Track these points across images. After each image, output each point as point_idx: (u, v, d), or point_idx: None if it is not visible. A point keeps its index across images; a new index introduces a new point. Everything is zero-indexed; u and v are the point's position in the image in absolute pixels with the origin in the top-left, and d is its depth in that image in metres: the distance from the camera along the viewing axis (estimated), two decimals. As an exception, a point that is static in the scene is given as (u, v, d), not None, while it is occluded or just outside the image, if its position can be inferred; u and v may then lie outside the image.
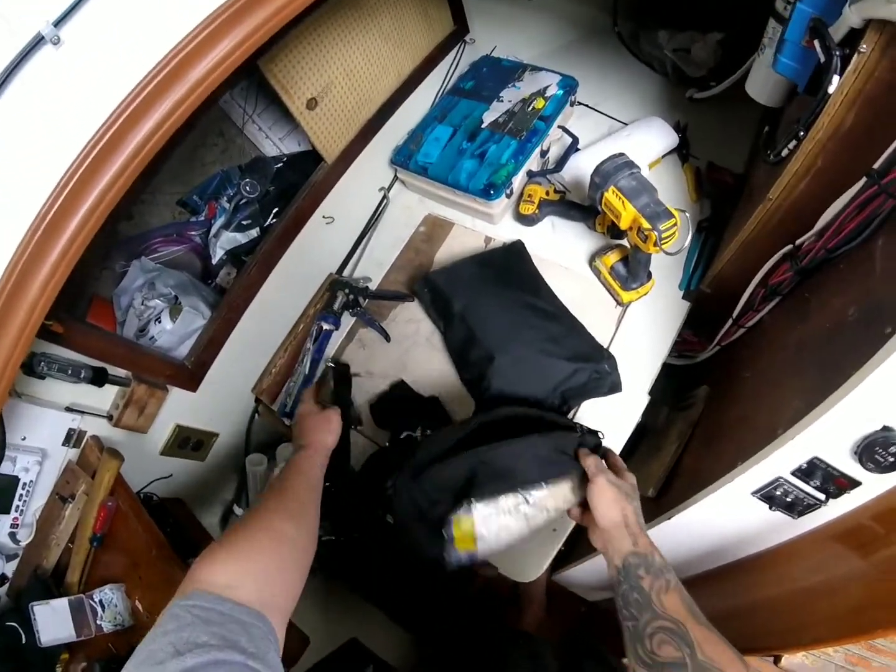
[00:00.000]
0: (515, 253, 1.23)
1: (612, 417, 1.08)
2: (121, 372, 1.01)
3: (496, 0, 1.43)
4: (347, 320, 1.30)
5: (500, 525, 0.78)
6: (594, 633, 1.26)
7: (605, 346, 1.13)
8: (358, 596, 1.46)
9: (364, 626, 1.41)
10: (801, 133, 0.76)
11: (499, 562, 1.02)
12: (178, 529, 1.06)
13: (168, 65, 0.65)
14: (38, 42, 0.57)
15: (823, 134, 0.73)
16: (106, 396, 1.01)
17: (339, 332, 1.29)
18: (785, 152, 0.82)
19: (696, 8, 1.22)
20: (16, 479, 0.90)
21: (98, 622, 0.90)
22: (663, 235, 0.94)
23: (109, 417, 1.01)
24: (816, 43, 0.69)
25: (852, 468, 0.67)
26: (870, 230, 0.71)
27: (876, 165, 0.67)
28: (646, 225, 0.94)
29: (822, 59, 0.69)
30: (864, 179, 0.70)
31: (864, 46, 0.63)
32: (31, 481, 0.92)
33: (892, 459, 0.62)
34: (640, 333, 1.14)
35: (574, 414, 1.10)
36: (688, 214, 0.99)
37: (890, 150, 0.65)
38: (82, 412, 0.96)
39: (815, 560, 0.78)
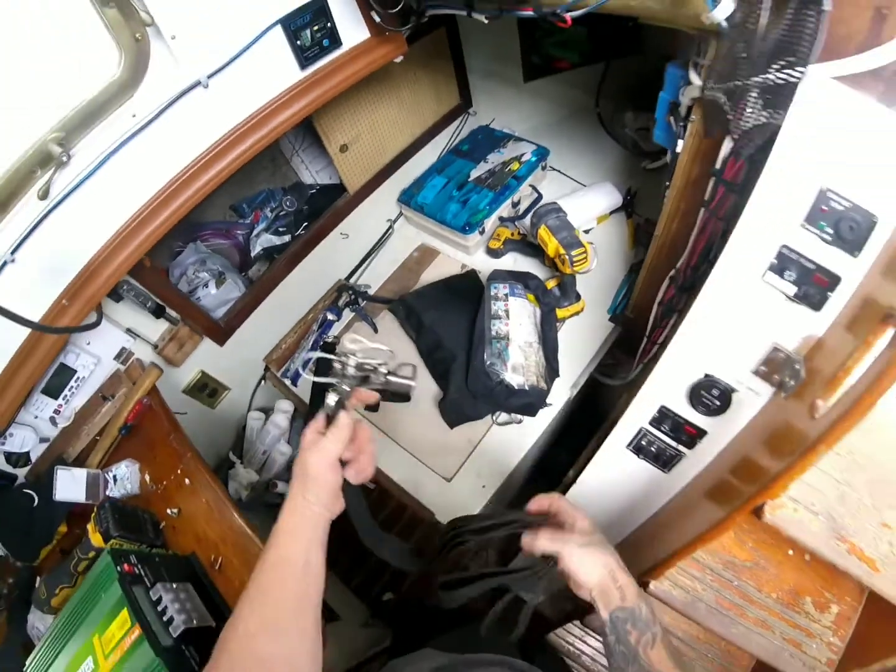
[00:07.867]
0: (471, 279, 1.60)
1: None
2: (173, 313, 1.31)
3: (498, 83, 1.84)
4: (347, 315, 1.64)
5: None
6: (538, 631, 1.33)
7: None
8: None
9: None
10: (667, 183, 1.07)
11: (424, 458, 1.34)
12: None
13: (261, 113, 1.08)
14: (195, 85, 0.97)
15: (680, 182, 1.03)
16: (156, 330, 1.31)
17: (338, 323, 1.62)
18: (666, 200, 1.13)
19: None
20: (73, 371, 1.16)
21: (108, 492, 1.09)
22: (574, 259, 1.28)
23: (155, 347, 1.30)
24: (671, 118, 1.01)
25: (691, 414, 0.84)
26: (713, 246, 0.98)
27: (706, 197, 0.96)
28: (562, 251, 1.28)
29: (675, 129, 1.00)
30: (702, 210, 0.99)
31: (694, 116, 0.92)
32: (84, 377, 1.18)
33: (718, 403, 0.80)
34: (571, 344, 1.44)
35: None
36: (594, 245, 1.32)
37: (710, 185, 0.93)
38: (137, 335, 1.25)
39: (699, 515, 0.84)
